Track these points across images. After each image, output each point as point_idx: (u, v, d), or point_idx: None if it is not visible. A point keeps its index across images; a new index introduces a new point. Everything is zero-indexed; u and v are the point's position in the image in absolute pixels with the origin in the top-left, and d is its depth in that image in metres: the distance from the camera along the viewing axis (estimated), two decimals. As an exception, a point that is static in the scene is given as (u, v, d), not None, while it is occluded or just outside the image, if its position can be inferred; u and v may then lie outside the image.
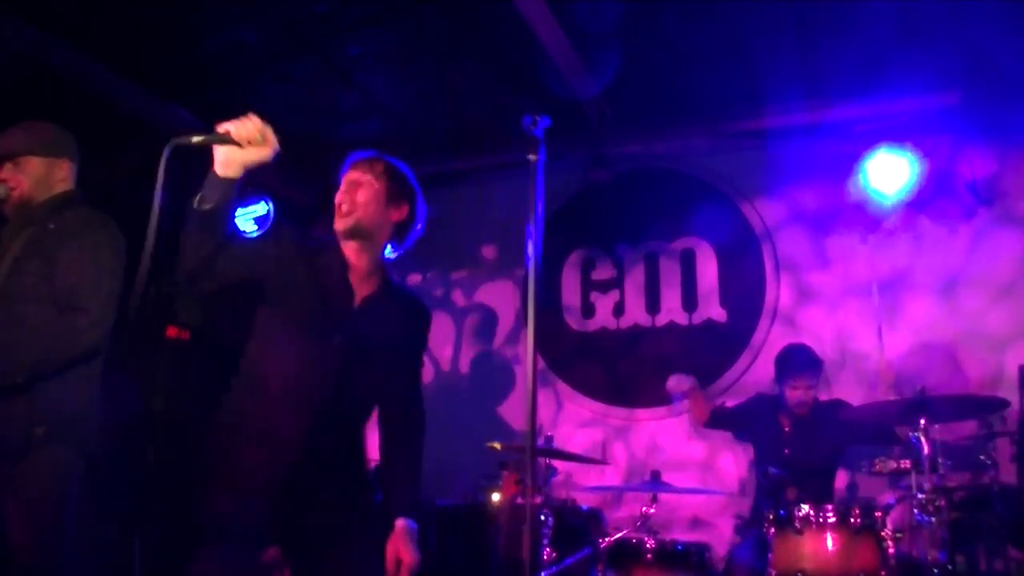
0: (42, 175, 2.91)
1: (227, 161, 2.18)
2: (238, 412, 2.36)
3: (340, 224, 2.45)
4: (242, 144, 2.17)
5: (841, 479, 4.58)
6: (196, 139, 2.13)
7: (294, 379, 2.36)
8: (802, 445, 4.31)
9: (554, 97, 4.77)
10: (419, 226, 2.67)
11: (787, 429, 4.43)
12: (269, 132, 2.21)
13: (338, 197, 2.48)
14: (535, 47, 4.35)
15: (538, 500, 4.02)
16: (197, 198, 2.16)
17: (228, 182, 2.18)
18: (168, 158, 2.05)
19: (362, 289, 2.49)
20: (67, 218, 2.84)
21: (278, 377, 2.36)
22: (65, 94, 4.43)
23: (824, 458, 4.35)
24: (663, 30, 4.46)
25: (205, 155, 2.20)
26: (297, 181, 5.77)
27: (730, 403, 4.96)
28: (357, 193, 2.47)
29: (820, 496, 3.93)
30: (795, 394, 4.35)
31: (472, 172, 5.98)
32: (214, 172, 2.18)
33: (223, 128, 2.16)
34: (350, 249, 2.48)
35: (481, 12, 4.27)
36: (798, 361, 4.41)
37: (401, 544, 2.46)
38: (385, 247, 2.56)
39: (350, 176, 2.51)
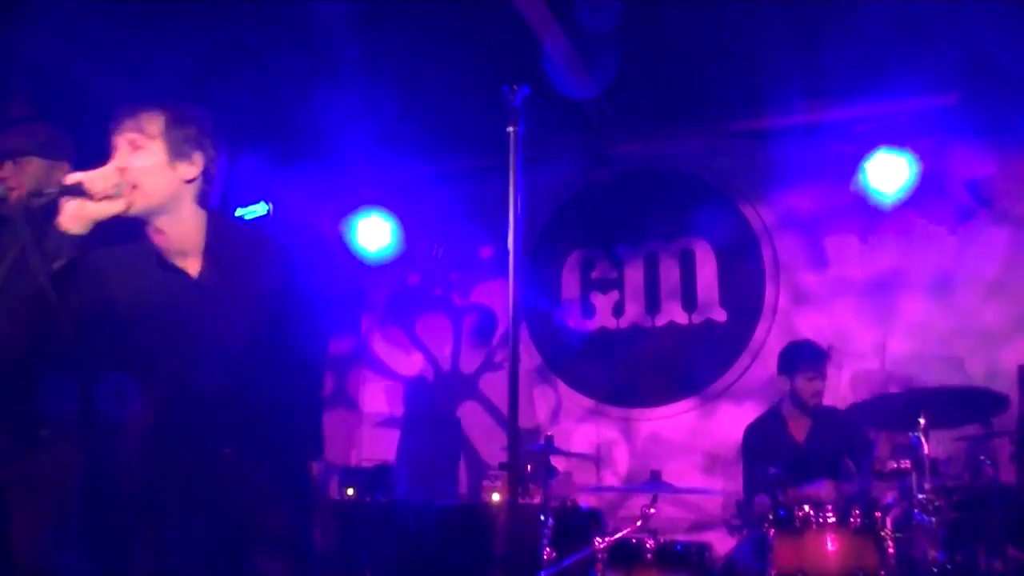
0: (43, 177, 2.93)
1: (77, 216, 1.98)
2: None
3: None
4: (95, 197, 1.99)
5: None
6: (47, 190, 2.00)
7: None
8: (816, 449, 4.30)
9: (554, 97, 4.77)
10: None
11: (800, 440, 4.39)
12: (125, 184, 2.03)
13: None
14: (535, 47, 4.34)
15: (538, 500, 4.03)
16: (39, 255, 1.95)
17: (74, 239, 1.98)
18: (26, 207, 1.97)
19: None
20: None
21: None
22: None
23: (835, 462, 4.35)
24: (663, 30, 4.46)
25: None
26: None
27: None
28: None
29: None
30: (809, 385, 4.35)
31: (471, 172, 5.98)
32: (58, 229, 1.98)
33: (74, 178, 1.99)
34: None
35: (481, 12, 4.27)
36: (807, 351, 4.42)
37: None
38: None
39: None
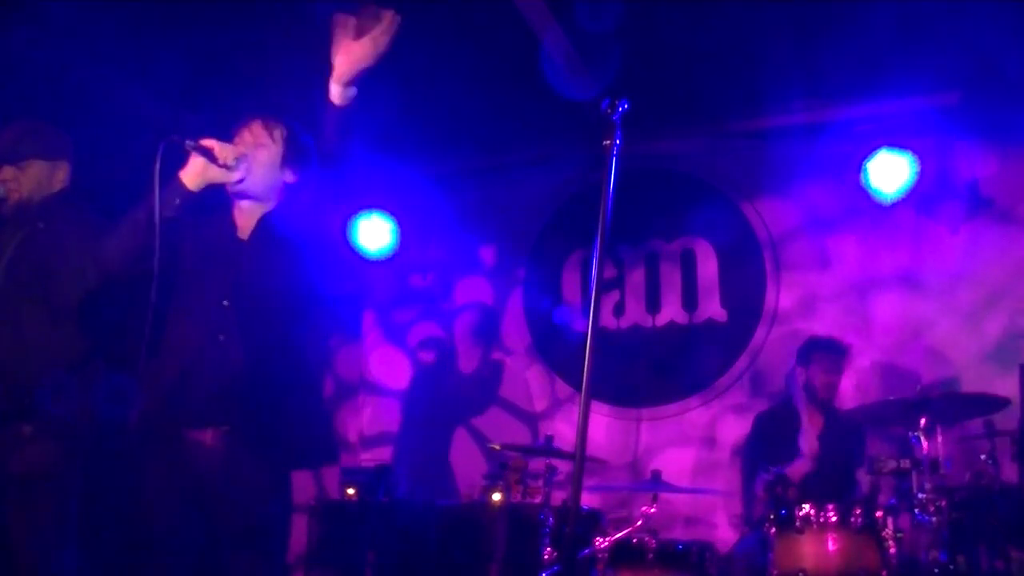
0: (44, 178, 2.95)
1: (197, 173, 2.40)
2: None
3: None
4: (218, 162, 2.39)
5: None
6: (189, 143, 2.34)
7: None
8: (831, 446, 4.30)
9: (554, 97, 4.77)
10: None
11: (815, 432, 4.40)
12: (244, 161, 2.45)
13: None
14: (535, 47, 4.34)
15: (538, 500, 4.02)
16: (149, 203, 2.28)
17: (186, 192, 2.39)
18: (163, 154, 2.23)
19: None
20: (58, 218, 2.85)
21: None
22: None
23: (848, 461, 4.36)
24: (663, 30, 4.46)
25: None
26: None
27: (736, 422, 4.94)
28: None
29: (843, 495, 3.95)
30: (824, 377, 4.37)
31: (471, 172, 5.98)
32: (179, 179, 2.39)
33: (208, 143, 2.38)
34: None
35: (481, 11, 4.27)
36: (827, 344, 4.47)
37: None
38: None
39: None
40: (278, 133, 2.61)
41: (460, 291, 6.07)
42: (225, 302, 2.44)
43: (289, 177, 2.62)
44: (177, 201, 2.37)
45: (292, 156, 2.62)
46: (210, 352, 2.39)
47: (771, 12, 4.24)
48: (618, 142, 2.16)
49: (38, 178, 2.94)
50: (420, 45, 4.61)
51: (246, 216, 2.59)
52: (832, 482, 4.17)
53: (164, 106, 4.86)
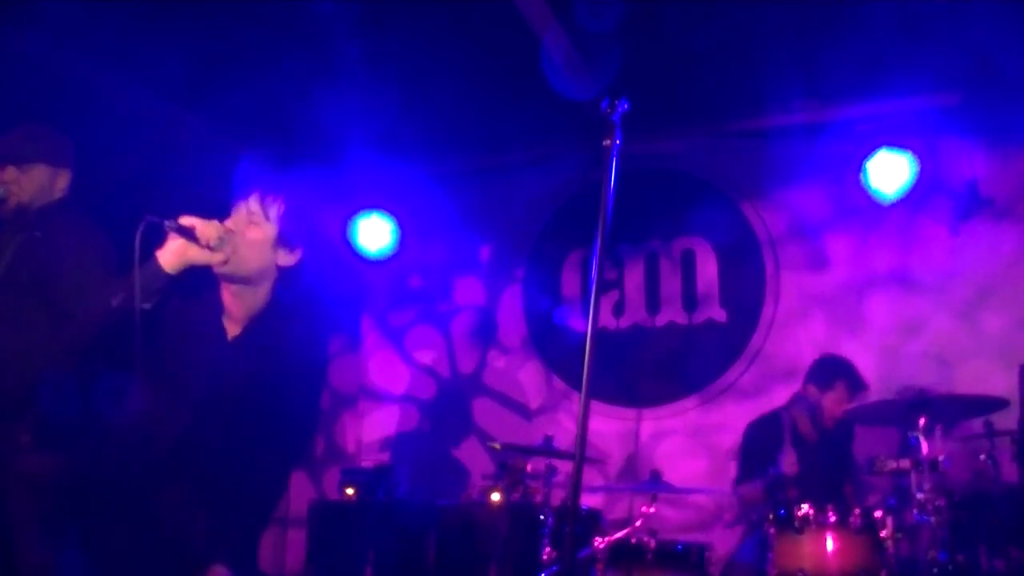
0: (45, 184, 2.95)
1: (177, 253, 2.20)
2: None
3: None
4: (199, 242, 2.19)
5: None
6: (168, 223, 2.16)
7: None
8: (826, 453, 4.30)
9: (554, 97, 4.77)
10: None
11: (811, 441, 4.38)
12: (228, 241, 2.23)
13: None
14: (535, 47, 4.34)
15: (538, 500, 4.02)
16: (124, 287, 2.14)
17: (165, 276, 2.19)
18: (142, 236, 2.08)
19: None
20: (57, 227, 2.85)
21: None
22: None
23: (841, 468, 4.36)
24: (663, 30, 4.46)
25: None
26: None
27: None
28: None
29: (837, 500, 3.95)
30: (836, 407, 4.31)
31: (471, 172, 5.98)
32: (156, 261, 2.19)
33: (189, 221, 2.18)
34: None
35: (481, 12, 4.27)
36: (847, 374, 4.37)
37: None
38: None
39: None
40: (274, 211, 2.35)
41: (459, 291, 6.07)
42: (214, 391, 2.31)
43: (284, 260, 2.37)
44: (156, 286, 2.18)
45: (288, 237, 2.36)
46: (188, 436, 2.30)
47: (771, 12, 4.24)
48: (618, 142, 2.16)
49: (40, 183, 2.94)
50: (420, 45, 4.63)
51: (237, 300, 2.37)
52: (827, 482, 4.16)
53: (164, 106, 4.86)
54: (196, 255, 2.21)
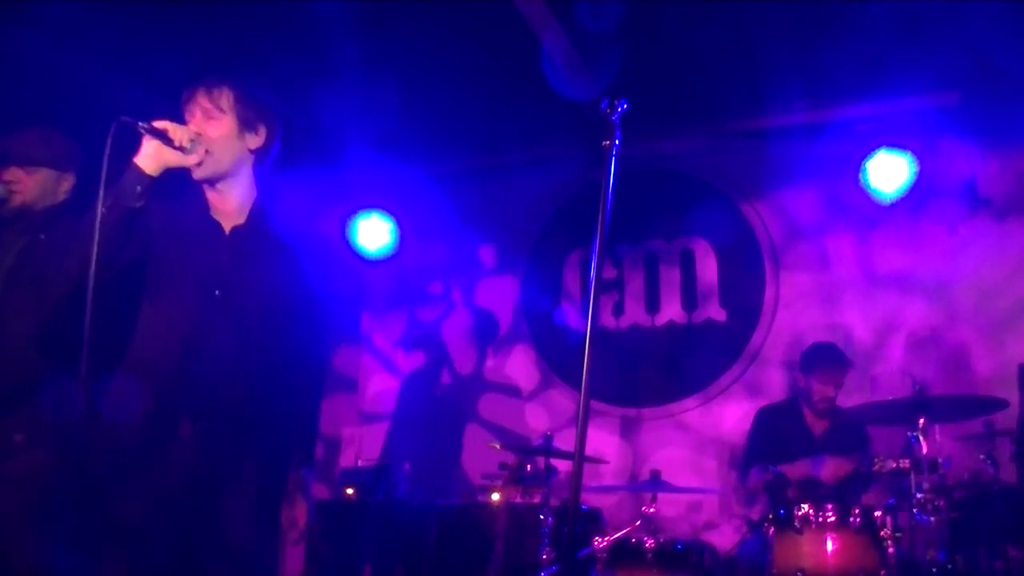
0: (50, 187, 2.96)
1: (153, 156, 2.22)
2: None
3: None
4: (174, 144, 2.22)
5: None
6: (142, 125, 2.19)
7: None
8: (834, 449, 4.30)
9: (554, 97, 4.77)
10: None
11: (816, 434, 4.40)
12: (200, 143, 2.28)
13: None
14: (535, 47, 4.34)
15: (538, 500, 4.02)
16: (112, 193, 2.16)
17: (146, 178, 2.21)
18: (114, 134, 2.11)
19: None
20: (59, 228, 2.85)
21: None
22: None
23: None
24: (663, 30, 4.46)
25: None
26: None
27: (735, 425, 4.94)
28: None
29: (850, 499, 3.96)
30: (822, 389, 4.35)
31: (471, 172, 5.98)
32: (135, 164, 2.22)
33: (161, 124, 2.21)
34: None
35: (481, 12, 4.27)
36: (829, 356, 4.43)
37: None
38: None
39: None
40: (225, 99, 2.39)
41: (459, 291, 6.07)
42: (217, 292, 2.32)
43: (253, 143, 2.43)
44: (138, 189, 2.19)
45: (249, 119, 2.41)
46: (203, 343, 2.27)
47: (771, 12, 4.24)
48: (617, 142, 2.16)
49: (44, 186, 2.94)
50: (419, 45, 4.63)
51: (223, 197, 2.42)
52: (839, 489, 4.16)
53: (164, 106, 4.86)
54: (172, 158, 2.25)
